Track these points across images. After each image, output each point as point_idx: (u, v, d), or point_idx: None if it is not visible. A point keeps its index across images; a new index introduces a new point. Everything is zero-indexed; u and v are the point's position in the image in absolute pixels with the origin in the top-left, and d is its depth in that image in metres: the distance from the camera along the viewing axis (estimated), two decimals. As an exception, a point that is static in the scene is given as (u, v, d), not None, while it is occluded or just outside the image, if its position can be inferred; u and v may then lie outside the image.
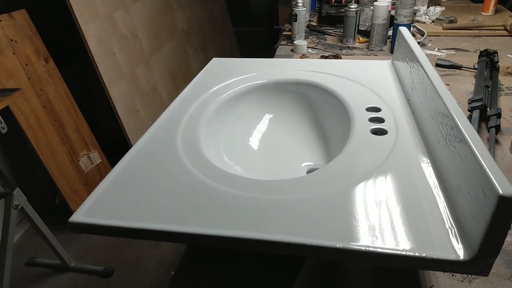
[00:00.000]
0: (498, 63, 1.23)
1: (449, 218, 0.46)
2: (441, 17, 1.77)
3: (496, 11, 1.89)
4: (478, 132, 0.93)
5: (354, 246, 0.43)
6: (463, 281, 0.58)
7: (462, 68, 1.30)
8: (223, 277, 0.65)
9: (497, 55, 1.24)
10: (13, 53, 1.60)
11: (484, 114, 0.97)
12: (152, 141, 0.67)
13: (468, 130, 0.47)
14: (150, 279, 1.64)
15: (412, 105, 0.73)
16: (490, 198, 0.38)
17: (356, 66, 0.94)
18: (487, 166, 0.40)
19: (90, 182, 1.94)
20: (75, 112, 1.89)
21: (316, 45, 1.64)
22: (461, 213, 0.45)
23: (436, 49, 1.51)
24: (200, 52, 2.81)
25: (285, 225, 0.47)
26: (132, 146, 0.66)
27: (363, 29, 1.66)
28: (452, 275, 0.59)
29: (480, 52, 1.30)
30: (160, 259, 1.73)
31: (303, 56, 1.53)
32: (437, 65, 1.33)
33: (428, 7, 1.85)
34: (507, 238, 0.64)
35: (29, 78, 1.67)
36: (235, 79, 0.90)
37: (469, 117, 0.96)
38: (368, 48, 1.56)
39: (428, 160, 0.57)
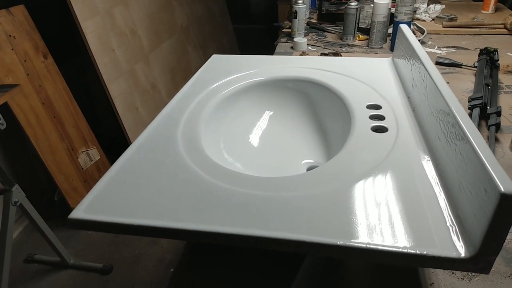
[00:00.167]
0: (498, 61, 1.22)
1: (450, 215, 0.46)
2: (441, 15, 1.76)
3: (496, 9, 1.89)
4: (478, 130, 0.93)
5: (354, 244, 0.43)
6: (463, 279, 0.58)
7: (462, 66, 1.30)
8: (223, 274, 0.65)
9: (497, 53, 1.24)
10: (12, 49, 1.60)
11: (484, 112, 0.97)
12: (152, 138, 0.67)
13: (469, 127, 0.47)
14: (150, 276, 1.64)
15: (412, 102, 0.72)
16: (492, 195, 0.38)
17: (356, 63, 0.94)
18: (488, 163, 0.40)
19: (89, 179, 1.94)
20: (74, 109, 1.88)
21: (316, 42, 1.64)
22: (462, 211, 0.44)
23: (436, 47, 1.51)
24: (200, 49, 2.80)
25: (285, 222, 0.47)
26: (131, 143, 0.65)
27: (363, 26, 1.66)
28: (452, 273, 0.59)
29: (480, 50, 1.29)
30: (159, 257, 1.73)
31: (303, 54, 1.53)
32: (437, 63, 1.33)
33: (428, 5, 1.85)
34: (507, 236, 0.64)
35: (28, 74, 1.66)
36: (235, 76, 0.89)
37: (469, 115, 0.96)
38: (368, 46, 1.56)
39: (429, 158, 0.57)
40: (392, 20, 1.49)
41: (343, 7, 1.71)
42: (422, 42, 1.56)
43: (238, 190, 0.53)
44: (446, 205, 0.47)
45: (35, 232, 1.63)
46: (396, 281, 0.60)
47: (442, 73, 0.66)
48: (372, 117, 0.70)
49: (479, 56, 1.27)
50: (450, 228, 0.44)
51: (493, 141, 0.87)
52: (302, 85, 0.88)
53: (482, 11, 1.89)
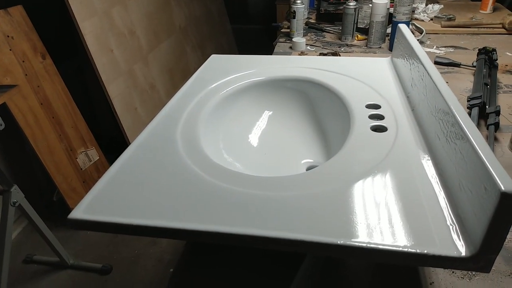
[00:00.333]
0: (497, 61, 1.23)
1: (450, 214, 0.46)
2: (439, 15, 1.77)
3: (495, 9, 1.89)
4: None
5: (355, 243, 0.43)
6: (463, 278, 0.58)
7: (461, 66, 1.30)
8: (223, 274, 0.65)
9: (496, 53, 1.24)
10: (10, 49, 1.59)
11: (483, 111, 0.97)
12: (151, 138, 0.67)
13: (469, 127, 0.47)
14: (149, 276, 1.64)
15: (412, 102, 0.72)
16: (492, 194, 0.38)
17: (355, 63, 0.94)
18: (489, 162, 0.40)
19: (88, 179, 1.93)
20: (73, 109, 1.88)
21: (315, 42, 1.64)
22: (462, 210, 0.44)
23: (434, 47, 1.51)
24: (198, 50, 2.80)
25: (285, 222, 0.47)
26: (130, 143, 0.65)
27: (361, 26, 1.66)
28: (452, 272, 0.59)
29: (478, 50, 1.30)
30: (158, 257, 1.73)
31: (302, 54, 1.53)
32: (436, 63, 1.33)
33: (426, 4, 1.85)
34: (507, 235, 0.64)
35: (26, 75, 1.66)
36: (234, 75, 0.89)
37: (468, 115, 0.96)
38: (366, 46, 1.56)
39: (429, 157, 0.57)
40: (390, 20, 1.49)
41: (341, 7, 1.71)
42: (421, 42, 1.56)
43: (237, 190, 0.53)
44: (446, 204, 0.47)
45: (34, 232, 1.63)
46: (396, 280, 0.60)
47: (440, 73, 0.66)
48: (372, 117, 0.70)
49: (477, 55, 1.28)
50: (451, 227, 0.44)
51: (492, 141, 0.87)
52: (301, 85, 0.88)
53: (480, 11, 1.90)
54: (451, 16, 1.74)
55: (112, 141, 2.31)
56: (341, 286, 0.60)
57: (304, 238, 0.44)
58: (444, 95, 0.56)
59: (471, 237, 0.41)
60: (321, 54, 1.49)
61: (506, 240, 0.64)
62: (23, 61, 1.65)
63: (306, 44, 1.59)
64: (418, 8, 1.84)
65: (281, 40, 1.69)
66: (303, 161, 0.80)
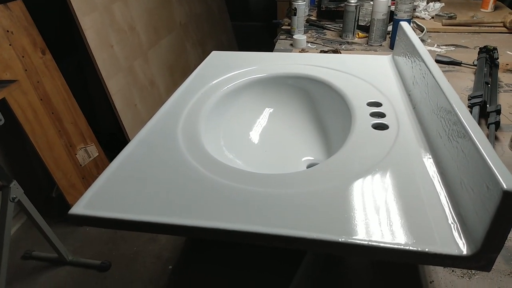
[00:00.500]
0: (498, 60, 1.23)
1: (451, 213, 0.46)
2: (440, 13, 1.76)
3: (496, 8, 1.89)
4: (478, 128, 0.93)
5: (356, 240, 0.43)
6: (463, 277, 0.58)
7: (462, 64, 1.30)
8: (222, 271, 0.65)
9: (497, 52, 1.24)
10: (10, 44, 1.59)
11: (483, 110, 0.97)
12: (152, 134, 0.66)
13: (471, 125, 0.47)
14: (148, 273, 1.64)
15: (413, 100, 0.72)
16: (494, 193, 0.38)
17: (356, 60, 0.93)
18: (491, 161, 0.40)
19: (87, 175, 1.93)
20: (72, 105, 1.88)
21: (316, 40, 1.64)
22: (463, 208, 0.44)
23: (435, 45, 1.51)
24: (198, 47, 2.80)
25: (286, 219, 0.47)
26: (129, 139, 0.65)
27: (362, 24, 1.66)
28: (452, 271, 0.59)
29: (479, 48, 1.30)
30: (157, 254, 1.73)
31: (303, 51, 1.52)
32: (437, 61, 1.33)
33: (427, 3, 1.85)
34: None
35: (26, 70, 1.65)
36: (235, 72, 0.89)
37: (469, 113, 0.96)
38: (367, 44, 1.56)
39: (430, 155, 0.57)
40: (391, 18, 1.49)
41: (342, 5, 1.71)
42: (422, 40, 1.55)
43: (238, 187, 0.53)
44: (448, 203, 0.47)
45: (33, 228, 1.63)
46: (396, 279, 0.60)
47: (441, 71, 0.66)
48: (373, 115, 0.70)
49: (478, 54, 1.27)
50: (452, 225, 0.44)
51: (492, 140, 0.87)
52: (303, 82, 0.88)
53: (482, 10, 1.90)
54: (452, 14, 1.74)
55: (112, 138, 2.30)
56: (341, 283, 0.60)
57: (305, 236, 0.44)
58: (446, 93, 0.56)
59: (473, 235, 0.41)
60: (321, 51, 1.49)
61: (506, 240, 0.64)
62: (23, 56, 1.64)
63: (306, 42, 1.58)
64: (419, 6, 1.83)
65: (281, 37, 1.68)
66: (303, 159, 0.79)
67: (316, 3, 2.10)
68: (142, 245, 1.79)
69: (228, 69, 0.91)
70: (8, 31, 1.58)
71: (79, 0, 1.65)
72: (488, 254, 0.40)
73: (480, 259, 0.40)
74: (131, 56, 2.00)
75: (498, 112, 0.93)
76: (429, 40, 1.58)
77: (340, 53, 1.47)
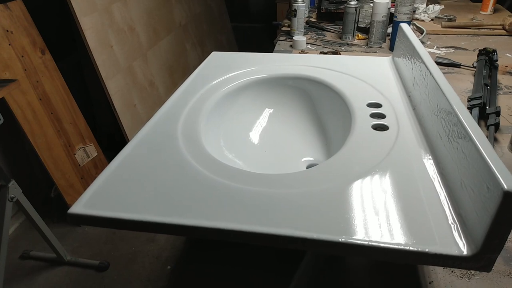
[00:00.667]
0: (497, 62, 1.23)
1: (451, 213, 0.46)
2: (440, 16, 1.77)
3: (495, 10, 1.90)
4: (477, 130, 0.93)
5: (356, 241, 0.43)
6: (462, 277, 0.58)
7: (461, 66, 1.31)
8: (223, 269, 0.65)
9: (496, 54, 1.24)
10: (9, 44, 1.58)
11: (483, 112, 0.97)
12: (152, 134, 0.66)
13: (472, 126, 0.47)
14: (146, 274, 1.63)
15: (413, 101, 0.72)
16: (495, 193, 0.38)
17: (356, 62, 0.94)
18: (491, 162, 0.40)
19: (86, 175, 1.93)
20: (72, 105, 1.87)
21: (315, 41, 1.64)
22: (464, 209, 0.44)
23: (435, 47, 1.51)
24: (198, 47, 2.80)
25: (286, 219, 0.47)
26: (128, 140, 0.65)
27: (362, 26, 1.66)
28: (452, 271, 0.59)
29: (479, 50, 1.30)
30: (156, 254, 1.72)
31: (302, 52, 1.52)
32: (436, 63, 1.33)
33: (427, 5, 1.85)
34: (506, 235, 0.64)
35: (25, 70, 1.65)
36: (235, 73, 0.89)
37: (468, 115, 0.96)
38: (367, 45, 1.56)
39: (430, 156, 0.57)
40: (391, 19, 1.49)
41: (342, 6, 1.71)
42: (421, 42, 1.56)
43: (238, 187, 0.53)
44: (448, 203, 0.47)
45: (31, 228, 1.62)
46: (395, 279, 0.60)
47: (441, 73, 0.66)
48: (373, 115, 0.70)
49: (478, 56, 1.28)
50: (452, 225, 0.44)
51: (492, 141, 0.87)
52: (303, 83, 0.88)
53: (481, 12, 1.90)
54: (451, 16, 1.74)
55: (111, 138, 2.30)
56: (341, 283, 0.60)
57: (306, 236, 0.44)
58: (447, 95, 0.56)
59: (473, 236, 0.41)
60: (321, 53, 1.49)
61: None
62: (22, 56, 1.64)
63: (306, 43, 1.58)
64: (419, 8, 1.84)
65: (281, 38, 1.69)
66: (303, 159, 0.79)
67: (316, 4, 2.10)
68: (140, 245, 1.79)
69: (228, 70, 0.91)
70: (7, 30, 1.58)
71: (79, 0, 1.65)
72: (488, 254, 0.40)
73: (480, 259, 0.40)
74: (130, 57, 2.00)
75: (498, 113, 0.93)
76: (428, 42, 1.58)
77: (340, 54, 1.47)
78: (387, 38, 1.58)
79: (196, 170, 0.56)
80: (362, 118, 0.69)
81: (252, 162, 0.74)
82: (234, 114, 0.83)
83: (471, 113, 0.96)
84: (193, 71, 0.92)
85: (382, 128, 0.66)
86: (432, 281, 0.58)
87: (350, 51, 1.52)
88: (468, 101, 1.00)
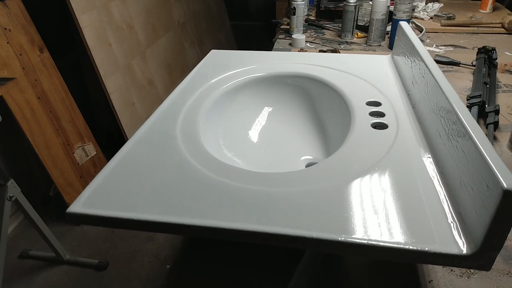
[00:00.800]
0: (496, 60, 1.23)
1: (451, 212, 0.46)
2: (439, 14, 1.77)
3: (494, 8, 1.90)
4: (477, 128, 0.93)
5: (355, 240, 0.43)
6: (461, 276, 0.58)
7: (460, 64, 1.30)
8: (221, 269, 0.65)
9: (496, 52, 1.24)
10: (7, 42, 1.58)
11: (482, 110, 0.97)
12: (151, 132, 0.66)
13: (471, 124, 0.47)
14: (146, 272, 1.63)
15: (412, 99, 0.72)
16: (494, 192, 0.38)
17: (356, 60, 0.93)
18: (491, 160, 0.40)
19: (85, 174, 1.93)
20: (70, 104, 1.87)
21: (314, 39, 1.64)
22: (463, 208, 0.44)
23: (434, 46, 1.51)
24: (196, 46, 2.79)
25: (285, 218, 0.47)
26: (127, 138, 0.65)
27: (361, 24, 1.66)
28: (451, 270, 0.59)
29: (478, 49, 1.30)
30: (155, 253, 1.72)
31: (301, 50, 1.52)
32: (436, 61, 1.32)
33: (426, 3, 1.85)
34: (505, 234, 0.64)
35: (24, 68, 1.64)
36: (234, 71, 0.89)
37: (468, 113, 0.96)
38: (366, 43, 1.56)
39: (429, 155, 0.56)
40: (390, 18, 1.49)
41: (341, 5, 1.71)
42: (421, 40, 1.55)
43: (237, 185, 0.52)
44: (447, 202, 0.47)
45: (30, 227, 1.62)
46: (395, 278, 0.60)
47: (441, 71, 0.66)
48: (372, 114, 0.70)
49: (477, 54, 1.28)
50: (451, 224, 0.44)
51: (491, 139, 0.87)
52: (302, 81, 0.87)
53: (480, 10, 1.90)
54: (451, 15, 1.74)
55: (110, 136, 2.29)
56: (340, 281, 0.60)
57: (305, 234, 0.44)
58: (446, 93, 0.56)
59: (472, 234, 0.41)
60: (320, 51, 1.49)
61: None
62: (21, 54, 1.63)
63: (305, 41, 1.58)
64: (418, 7, 1.83)
65: (280, 36, 1.68)
66: (302, 158, 0.79)
67: (315, 2, 2.10)
68: (140, 244, 1.79)
69: (227, 68, 0.91)
70: (5, 28, 1.58)
71: (78, -2, 1.64)
72: (487, 253, 0.40)
73: (480, 258, 0.40)
74: (129, 55, 2.00)
75: (497, 112, 0.93)
76: (428, 41, 1.58)
77: (339, 52, 1.47)
78: (386, 36, 1.57)
79: (195, 168, 0.56)
80: (362, 117, 0.69)
81: (251, 161, 0.74)
82: (233, 113, 0.82)
83: (470, 111, 0.96)
84: (192, 69, 0.92)
85: (381, 126, 0.66)
86: (432, 280, 0.58)
87: (349, 50, 1.52)
88: (467, 100, 1.00)
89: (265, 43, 3.32)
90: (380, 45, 1.54)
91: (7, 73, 1.57)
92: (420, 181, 0.51)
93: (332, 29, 1.74)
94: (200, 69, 0.92)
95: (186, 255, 1.36)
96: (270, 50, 1.54)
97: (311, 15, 1.97)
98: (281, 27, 1.79)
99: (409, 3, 1.39)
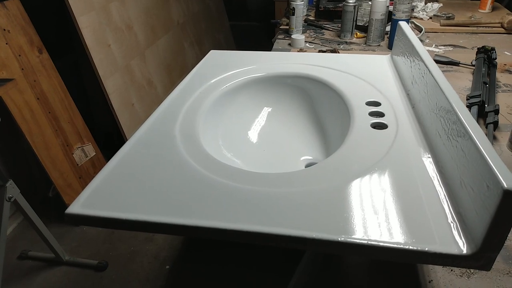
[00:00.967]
0: (496, 60, 1.23)
1: (451, 212, 0.46)
2: (438, 14, 1.77)
3: (493, 8, 1.90)
4: (476, 128, 0.93)
5: (355, 240, 0.43)
6: (461, 276, 0.58)
7: (460, 64, 1.30)
8: (220, 270, 0.65)
9: (495, 52, 1.24)
10: (6, 43, 1.58)
11: (482, 110, 0.97)
12: (150, 132, 0.66)
13: (471, 124, 0.47)
14: (145, 273, 1.63)
15: (412, 99, 0.72)
16: (495, 192, 0.38)
17: (355, 60, 0.93)
18: (491, 160, 0.40)
19: (84, 175, 1.92)
20: (69, 104, 1.87)
21: (314, 39, 1.63)
22: (463, 208, 0.44)
23: (433, 45, 1.51)
24: (196, 46, 2.79)
25: (284, 218, 0.47)
26: (126, 139, 0.65)
27: (361, 24, 1.66)
28: (451, 270, 0.59)
29: (478, 49, 1.30)
30: (154, 253, 1.72)
31: (301, 50, 1.52)
32: (435, 61, 1.33)
33: (426, 3, 1.85)
34: (505, 234, 0.64)
35: (23, 69, 1.64)
36: (233, 71, 0.89)
37: (467, 113, 0.96)
38: (365, 44, 1.56)
39: (429, 155, 0.56)
40: (390, 18, 1.49)
41: (341, 5, 1.71)
42: (420, 40, 1.56)
43: (236, 186, 0.52)
44: (447, 202, 0.47)
45: (30, 228, 1.61)
46: (395, 278, 0.59)
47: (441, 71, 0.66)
48: (372, 114, 0.69)
49: (476, 54, 1.28)
50: (451, 224, 0.44)
51: (491, 139, 0.87)
52: (301, 82, 0.87)
53: (479, 10, 1.90)
54: (450, 14, 1.74)
55: (109, 137, 2.29)
56: (340, 282, 0.59)
57: (304, 235, 0.44)
58: (446, 93, 0.56)
59: (472, 234, 0.41)
60: (320, 51, 1.49)
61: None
62: (20, 55, 1.63)
63: (305, 41, 1.58)
64: (417, 7, 1.83)
65: (280, 37, 1.68)
66: (302, 158, 0.79)
67: (314, 3, 2.10)
68: (139, 245, 1.78)
69: (227, 68, 0.90)
70: (4, 29, 1.57)
71: (77, -2, 1.64)
72: (488, 253, 0.40)
73: (480, 258, 0.40)
74: (128, 55, 1.99)
75: (496, 112, 0.93)
76: (427, 40, 1.58)
77: (339, 53, 1.47)
78: (386, 36, 1.57)
79: (194, 169, 0.56)
80: (361, 117, 0.69)
81: (250, 161, 0.74)
82: (233, 113, 0.82)
83: (470, 111, 0.96)
84: (191, 70, 0.92)
85: (381, 126, 0.66)
86: (432, 280, 0.58)
87: (348, 50, 1.52)
88: (467, 99, 1.00)
89: (264, 44, 3.32)
90: (379, 45, 1.54)
91: (6, 74, 1.56)
92: (420, 181, 0.51)
93: (331, 29, 1.74)
94: (199, 69, 0.92)
95: (186, 255, 1.36)
96: (269, 50, 1.54)
97: (310, 15, 1.97)
98: (280, 27, 1.79)
99: (408, 3, 1.39)
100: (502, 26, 1.64)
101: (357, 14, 1.60)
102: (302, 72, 0.88)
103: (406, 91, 0.76)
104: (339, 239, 0.43)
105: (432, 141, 0.58)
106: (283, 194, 0.50)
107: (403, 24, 0.89)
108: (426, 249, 0.41)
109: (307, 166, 0.77)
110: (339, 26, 1.65)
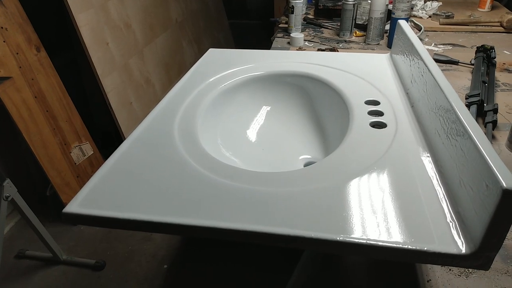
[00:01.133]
0: (495, 59, 1.23)
1: (450, 211, 0.45)
2: (438, 12, 1.76)
3: (493, 7, 1.90)
4: (475, 127, 0.93)
5: (354, 239, 0.43)
6: (460, 276, 0.58)
7: (459, 63, 1.30)
8: (218, 269, 0.65)
9: (494, 51, 1.24)
10: (4, 41, 1.57)
11: (481, 109, 0.97)
12: (148, 131, 0.66)
13: (470, 124, 0.47)
14: (143, 272, 1.63)
15: (411, 98, 0.72)
16: (494, 191, 0.37)
17: (354, 59, 0.93)
18: (491, 159, 0.40)
19: (82, 174, 1.92)
20: (67, 103, 1.86)
21: (313, 38, 1.63)
22: (462, 207, 0.44)
23: (433, 44, 1.51)
24: (194, 44, 2.78)
25: (283, 218, 0.46)
26: (124, 138, 0.64)
27: (360, 23, 1.66)
28: (450, 270, 0.59)
29: (477, 47, 1.30)
30: (152, 253, 1.72)
31: (300, 49, 1.52)
32: (434, 60, 1.32)
33: (425, 1, 1.85)
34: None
35: (20, 67, 1.63)
36: (232, 70, 0.88)
37: (466, 112, 0.95)
38: (365, 42, 1.55)
39: (428, 154, 0.56)
40: (389, 16, 1.49)
41: (340, 3, 1.71)
42: (419, 39, 1.55)
43: (235, 185, 0.52)
44: (446, 201, 0.47)
45: (27, 227, 1.61)
46: (393, 278, 0.59)
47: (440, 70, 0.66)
48: (371, 113, 0.69)
49: (475, 53, 1.28)
50: (450, 224, 0.44)
51: (490, 138, 0.87)
52: (300, 80, 0.87)
53: (479, 9, 1.90)
54: (449, 13, 1.74)
55: (107, 136, 2.29)
56: (339, 281, 0.59)
57: (303, 234, 0.44)
58: (445, 92, 0.56)
59: (471, 234, 0.41)
60: (319, 50, 1.48)
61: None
62: (17, 53, 1.62)
63: (304, 40, 1.58)
64: (416, 5, 1.83)
65: (279, 35, 1.68)
66: (301, 157, 0.79)
67: (313, 1, 2.10)
68: (137, 244, 1.78)
69: (225, 67, 0.90)
70: (2, 27, 1.56)
71: (75, -4, 1.64)
72: (486, 253, 0.40)
73: (479, 258, 0.40)
74: (126, 54, 1.99)
75: (495, 111, 0.93)
76: (426, 39, 1.58)
77: (338, 51, 1.46)
78: (385, 35, 1.57)
79: (193, 168, 0.56)
80: (360, 116, 0.68)
81: (249, 160, 0.74)
82: (231, 112, 0.82)
83: (469, 110, 0.96)
84: (189, 68, 0.91)
85: (380, 125, 0.66)
86: (430, 280, 0.58)
87: (347, 48, 1.52)
88: (466, 98, 1.00)
89: (263, 42, 3.31)
90: (378, 44, 1.53)
91: (4, 72, 1.56)
92: (419, 181, 0.51)
93: (330, 27, 1.74)
94: (198, 67, 0.91)
95: (184, 255, 1.36)
96: (269, 49, 1.54)
97: (309, 13, 1.96)
98: (279, 25, 1.79)
99: (407, 2, 1.39)
100: (501, 25, 1.64)
101: (356, 13, 1.59)
102: (301, 71, 0.87)
103: (406, 90, 0.76)
104: (338, 238, 0.43)
105: (431, 140, 0.58)
106: (282, 193, 0.50)
107: (402, 23, 0.89)
108: (425, 248, 0.41)
109: (306, 165, 0.77)
110: (338, 24, 1.64)
